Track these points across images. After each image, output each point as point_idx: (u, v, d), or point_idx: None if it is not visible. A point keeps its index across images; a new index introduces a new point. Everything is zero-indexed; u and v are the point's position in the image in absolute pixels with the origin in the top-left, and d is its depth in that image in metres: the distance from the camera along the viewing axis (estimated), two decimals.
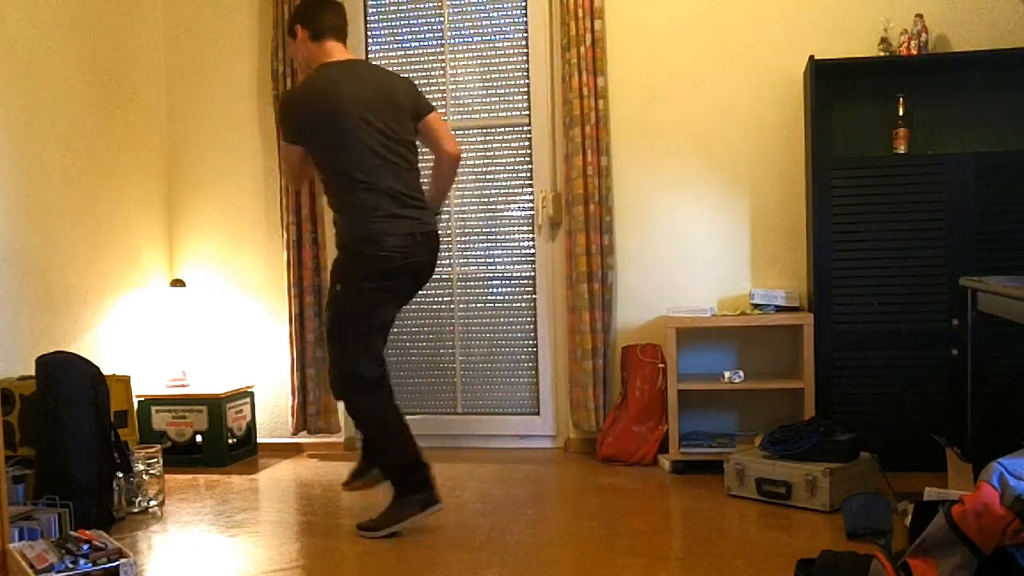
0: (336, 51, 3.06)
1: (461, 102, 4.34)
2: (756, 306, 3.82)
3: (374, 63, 3.11)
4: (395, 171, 2.98)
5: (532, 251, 4.28)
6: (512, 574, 2.59)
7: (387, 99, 2.99)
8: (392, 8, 4.39)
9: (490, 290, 4.35)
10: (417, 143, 3.10)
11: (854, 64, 3.69)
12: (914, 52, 3.66)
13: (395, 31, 4.40)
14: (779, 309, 3.78)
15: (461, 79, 4.34)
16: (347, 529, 3.10)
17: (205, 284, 4.56)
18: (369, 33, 4.41)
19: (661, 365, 3.95)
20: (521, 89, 4.27)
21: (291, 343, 4.31)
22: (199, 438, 4.18)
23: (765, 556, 2.66)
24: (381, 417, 3.00)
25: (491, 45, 4.31)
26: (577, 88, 4.00)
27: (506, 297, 4.33)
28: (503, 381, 4.34)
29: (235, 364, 4.53)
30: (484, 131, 4.32)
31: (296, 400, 4.31)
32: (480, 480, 3.73)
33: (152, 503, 3.45)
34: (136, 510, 3.41)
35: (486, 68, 4.31)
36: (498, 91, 4.30)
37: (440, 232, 4.37)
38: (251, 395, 4.43)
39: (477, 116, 4.33)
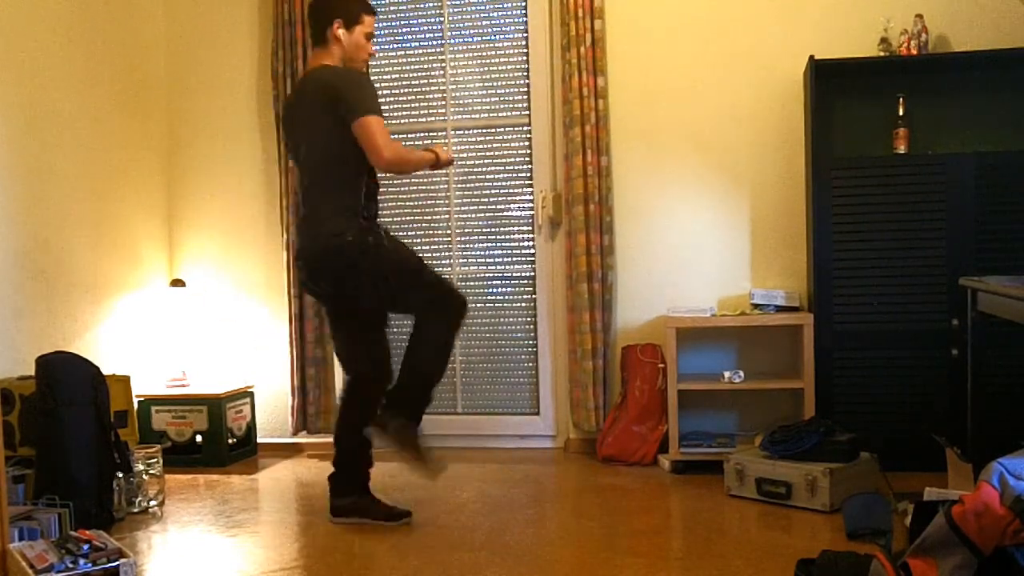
0: (313, 58, 3.14)
1: (461, 102, 4.34)
2: (756, 306, 3.82)
3: (328, 67, 3.07)
4: (302, 186, 3.13)
5: (532, 251, 4.28)
6: (512, 574, 2.59)
7: (307, 106, 3.04)
8: (392, 8, 4.39)
9: (490, 290, 4.35)
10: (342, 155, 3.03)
11: (854, 64, 3.69)
12: (914, 52, 3.66)
13: (395, 31, 4.40)
14: (779, 309, 3.77)
15: (461, 79, 4.34)
16: (347, 529, 3.10)
17: (205, 284, 4.56)
18: None
19: (661, 365, 3.95)
20: (521, 89, 4.27)
21: (291, 343, 4.31)
22: (199, 438, 4.18)
23: (765, 556, 2.66)
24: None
25: (491, 45, 4.31)
26: (577, 88, 4.00)
27: (506, 297, 4.33)
28: (503, 381, 4.34)
29: (235, 364, 4.53)
30: (484, 131, 4.32)
31: (296, 400, 4.31)
32: (480, 480, 3.73)
33: (152, 503, 3.45)
34: (136, 510, 3.41)
35: (486, 68, 4.31)
36: (498, 91, 4.30)
37: (441, 234, 4.38)
38: (251, 395, 4.43)
39: (477, 116, 4.33)
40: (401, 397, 3.09)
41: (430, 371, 3.09)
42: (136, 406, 4.08)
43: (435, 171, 4.31)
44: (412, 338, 3.08)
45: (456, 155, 4.35)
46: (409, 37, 4.39)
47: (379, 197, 3.17)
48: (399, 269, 3.06)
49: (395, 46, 4.40)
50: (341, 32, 3.07)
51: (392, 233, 3.18)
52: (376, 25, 4.37)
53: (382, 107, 3.04)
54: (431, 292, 3.07)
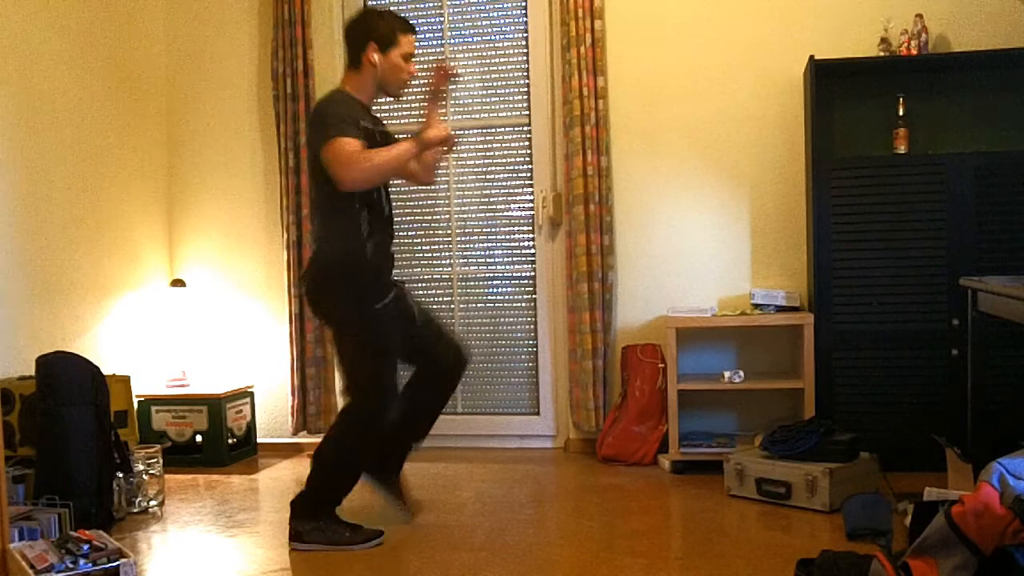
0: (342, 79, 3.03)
1: (461, 102, 4.34)
2: (756, 306, 3.82)
3: (333, 91, 2.98)
4: (311, 208, 3.08)
5: (532, 251, 4.28)
6: (512, 574, 2.59)
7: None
8: (392, 8, 4.38)
9: (490, 290, 4.35)
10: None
11: (854, 64, 3.69)
12: (914, 52, 3.66)
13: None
14: (779, 309, 3.77)
15: (461, 79, 4.34)
16: None
17: (205, 284, 4.56)
18: None
19: (661, 365, 3.95)
20: (521, 89, 4.27)
21: (291, 343, 4.31)
22: (199, 438, 4.18)
23: (765, 556, 2.66)
24: None
25: (491, 45, 4.31)
26: (577, 88, 4.00)
27: (506, 297, 4.33)
28: (503, 381, 4.34)
29: (235, 364, 4.53)
30: (484, 131, 4.32)
31: (296, 400, 4.31)
32: (480, 480, 3.73)
33: (152, 503, 3.45)
34: (136, 510, 3.41)
35: (486, 68, 4.31)
36: (498, 91, 4.30)
37: (441, 234, 4.38)
38: (251, 395, 4.43)
39: (477, 116, 4.33)
40: (305, 498, 2.91)
41: (338, 461, 2.90)
42: (136, 406, 4.09)
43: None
44: (337, 419, 2.92)
45: (456, 155, 4.35)
46: None
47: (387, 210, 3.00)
48: (372, 339, 2.86)
49: None
50: (376, 56, 2.90)
51: (402, 300, 2.97)
52: None
53: (380, 109, 2.93)
54: (379, 380, 2.86)
